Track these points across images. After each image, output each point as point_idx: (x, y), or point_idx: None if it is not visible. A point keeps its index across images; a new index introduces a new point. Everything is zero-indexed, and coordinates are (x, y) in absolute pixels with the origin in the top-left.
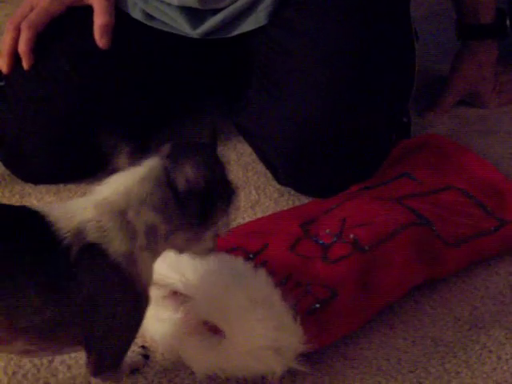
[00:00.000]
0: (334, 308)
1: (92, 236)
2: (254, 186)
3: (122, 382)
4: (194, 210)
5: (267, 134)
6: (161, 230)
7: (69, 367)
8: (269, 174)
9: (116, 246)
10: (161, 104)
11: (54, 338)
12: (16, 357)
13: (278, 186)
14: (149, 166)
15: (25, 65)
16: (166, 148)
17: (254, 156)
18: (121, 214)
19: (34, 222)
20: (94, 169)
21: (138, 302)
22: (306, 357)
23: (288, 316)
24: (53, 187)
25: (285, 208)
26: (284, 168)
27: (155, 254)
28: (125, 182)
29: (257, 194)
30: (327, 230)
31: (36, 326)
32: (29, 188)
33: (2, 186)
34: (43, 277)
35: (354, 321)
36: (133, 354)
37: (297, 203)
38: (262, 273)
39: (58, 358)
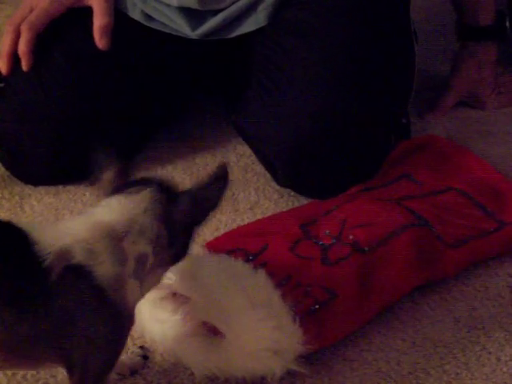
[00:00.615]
0: (334, 309)
1: (78, 257)
2: (254, 187)
3: None
4: (181, 245)
5: (266, 135)
6: (150, 261)
7: None
8: (268, 176)
9: (103, 269)
10: (160, 104)
11: (27, 355)
12: None
13: (278, 188)
14: (149, 198)
15: (24, 66)
16: (154, 184)
17: (254, 157)
18: (117, 239)
19: (18, 240)
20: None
21: (120, 323)
22: (305, 358)
23: (287, 317)
24: (52, 188)
25: (284, 209)
26: (283, 169)
27: (141, 285)
28: (130, 210)
29: (256, 195)
30: (327, 232)
31: (8, 343)
32: (28, 189)
33: (2, 187)
34: (19, 293)
35: (353, 322)
36: (132, 355)
37: (296, 204)
38: (262, 274)
39: None
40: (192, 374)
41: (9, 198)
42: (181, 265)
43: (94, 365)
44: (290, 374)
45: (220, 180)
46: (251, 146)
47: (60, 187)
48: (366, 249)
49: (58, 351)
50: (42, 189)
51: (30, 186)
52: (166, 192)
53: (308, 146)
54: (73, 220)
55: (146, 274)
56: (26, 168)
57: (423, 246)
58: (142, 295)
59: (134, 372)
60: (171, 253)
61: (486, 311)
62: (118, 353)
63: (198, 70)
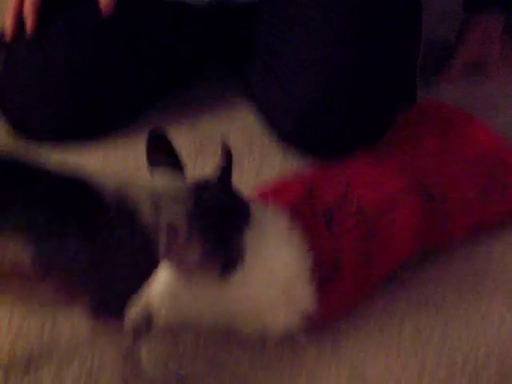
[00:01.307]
0: (337, 280)
1: (130, 201)
2: (259, 153)
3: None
4: (208, 235)
5: (275, 102)
6: (178, 236)
7: (73, 325)
8: (273, 143)
9: (147, 216)
10: (165, 73)
11: (75, 286)
12: (20, 314)
13: (281, 155)
14: (189, 184)
15: (28, 27)
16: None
17: (259, 124)
18: (157, 201)
19: (81, 182)
20: (99, 131)
21: (152, 265)
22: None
23: (306, 270)
24: (57, 146)
25: (289, 172)
26: (288, 126)
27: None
28: (168, 185)
29: (259, 162)
30: (330, 197)
31: (66, 272)
32: (33, 147)
33: (6, 144)
34: (84, 225)
35: (357, 293)
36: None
37: (302, 167)
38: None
39: (62, 317)
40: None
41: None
42: None
43: (120, 297)
44: (291, 342)
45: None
46: (259, 111)
47: (65, 144)
48: (371, 215)
49: (98, 282)
50: (47, 146)
51: (35, 143)
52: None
53: (314, 110)
54: (124, 176)
55: (173, 247)
56: (31, 125)
57: (428, 212)
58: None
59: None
60: (198, 240)
61: (489, 276)
62: (137, 290)
63: (204, 39)
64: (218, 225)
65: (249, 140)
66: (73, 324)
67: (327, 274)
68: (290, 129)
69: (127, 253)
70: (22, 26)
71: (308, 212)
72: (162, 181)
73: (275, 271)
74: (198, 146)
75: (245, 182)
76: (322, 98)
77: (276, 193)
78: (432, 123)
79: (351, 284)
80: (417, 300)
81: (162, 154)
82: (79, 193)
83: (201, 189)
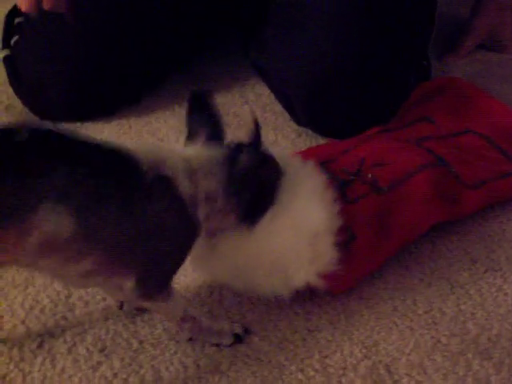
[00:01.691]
0: (352, 251)
1: (167, 172)
2: (272, 126)
3: (170, 300)
4: (245, 199)
5: (285, 74)
6: (217, 203)
7: (86, 303)
8: (286, 115)
9: (184, 186)
10: (177, 40)
11: (116, 258)
12: (34, 291)
13: (296, 127)
14: (223, 149)
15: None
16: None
17: (272, 97)
18: (193, 170)
19: (119, 152)
20: (112, 108)
21: (192, 236)
22: (321, 295)
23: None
24: (70, 125)
25: (302, 149)
26: (302, 108)
27: (205, 220)
28: (204, 151)
29: (274, 134)
30: (345, 169)
31: (108, 242)
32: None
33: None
34: (125, 196)
35: (371, 263)
36: None
37: (314, 144)
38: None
39: (75, 294)
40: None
41: None
42: None
43: (164, 266)
44: (306, 311)
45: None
46: (270, 86)
47: (78, 124)
48: (385, 188)
49: (140, 255)
50: (60, 125)
51: (48, 123)
52: (239, 151)
53: (327, 85)
54: (157, 145)
55: (212, 215)
56: (45, 105)
57: (441, 185)
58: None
59: None
60: (234, 206)
61: (503, 253)
62: (183, 260)
63: (213, 6)
64: (252, 192)
65: (262, 112)
66: (86, 301)
67: (342, 243)
68: (303, 105)
69: (166, 223)
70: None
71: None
72: (196, 149)
73: (304, 223)
74: None
75: None
76: (335, 70)
77: None
78: (446, 99)
79: (365, 253)
80: (430, 277)
81: (203, 114)
82: (118, 164)
83: (234, 155)
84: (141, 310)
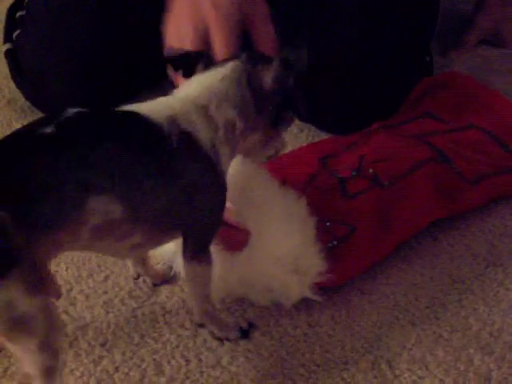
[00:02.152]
0: (352, 244)
1: (183, 126)
2: None
3: (210, 265)
4: (269, 112)
5: None
6: (238, 126)
7: (87, 297)
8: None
9: (202, 135)
10: None
11: (163, 226)
12: None
13: (298, 122)
14: (230, 66)
15: None
16: (244, 54)
17: None
18: (203, 108)
19: (131, 119)
20: (114, 103)
21: (223, 188)
22: (323, 290)
23: (312, 241)
24: None
25: (304, 144)
26: (304, 103)
27: (232, 151)
28: (206, 79)
29: None
30: (346, 165)
31: (154, 214)
32: None
33: (22, 117)
34: (158, 163)
35: (371, 257)
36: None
37: (316, 139)
38: (304, 201)
39: (76, 288)
40: None
41: None
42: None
43: (208, 226)
44: (308, 305)
45: (301, 47)
46: None
47: None
48: (386, 183)
49: (181, 216)
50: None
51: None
52: (253, 60)
53: (329, 80)
54: (161, 99)
55: (237, 139)
56: (47, 98)
57: (443, 180)
58: (231, 160)
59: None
60: (262, 118)
61: (505, 248)
62: (222, 215)
63: None
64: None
65: None
66: (87, 295)
67: (342, 236)
68: (304, 100)
69: (197, 180)
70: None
71: (323, 178)
72: (200, 81)
73: (282, 250)
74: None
75: None
76: (337, 66)
77: (291, 164)
78: (448, 94)
79: (365, 246)
80: (431, 272)
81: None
82: (144, 133)
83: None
84: (158, 285)
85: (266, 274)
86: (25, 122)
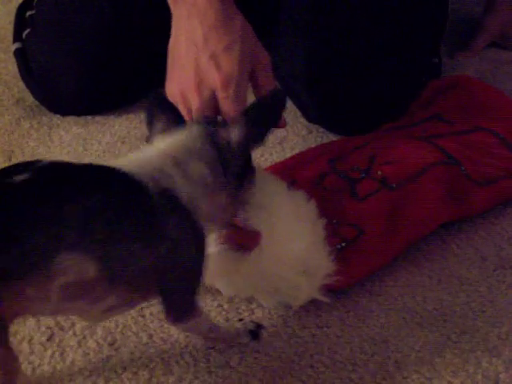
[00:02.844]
0: (360, 247)
1: (165, 183)
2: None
3: (199, 319)
4: (234, 170)
5: (295, 71)
6: (210, 183)
7: None
8: (298, 111)
9: (182, 192)
10: None
11: (141, 288)
12: None
13: (307, 124)
14: (195, 128)
15: None
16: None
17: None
18: (180, 165)
19: (114, 175)
20: (123, 102)
21: (203, 246)
22: (331, 292)
23: (321, 244)
24: (81, 119)
25: (313, 145)
26: (313, 105)
27: (207, 207)
28: (184, 140)
29: (285, 130)
30: (355, 167)
31: (131, 277)
32: (57, 119)
33: (31, 117)
34: (139, 224)
35: (379, 259)
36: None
37: (325, 140)
38: (313, 204)
39: None
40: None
41: (37, 127)
42: None
43: (188, 286)
44: (316, 307)
45: (277, 99)
46: (280, 82)
47: (89, 118)
48: (394, 185)
49: (158, 278)
50: (70, 119)
51: (58, 117)
52: (213, 123)
53: (337, 82)
54: (140, 152)
55: (209, 197)
56: (56, 98)
57: (452, 183)
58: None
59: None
60: (230, 175)
61: None
62: (202, 274)
63: None
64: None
65: None
66: None
67: (351, 238)
68: (313, 102)
69: (180, 239)
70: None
71: (332, 179)
72: (172, 138)
73: (291, 252)
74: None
75: (268, 149)
76: (346, 68)
77: (299, 166)
78: (457, 97)
79: (373, 248)
80: (439, 275)
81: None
82: (125, 189)
83: (213, 131)
84: None
85: (274, 274)
86: (33, 121)
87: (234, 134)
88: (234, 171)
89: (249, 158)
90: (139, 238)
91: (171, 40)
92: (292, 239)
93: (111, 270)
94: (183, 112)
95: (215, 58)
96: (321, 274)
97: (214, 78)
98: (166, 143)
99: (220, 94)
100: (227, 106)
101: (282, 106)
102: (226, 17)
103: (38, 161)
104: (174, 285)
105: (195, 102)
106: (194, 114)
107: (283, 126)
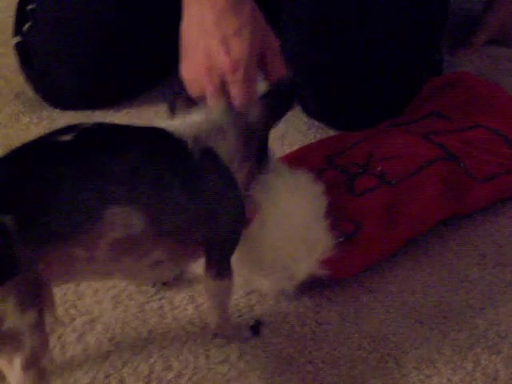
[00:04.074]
0: (359, 241)
1: (209, 143)
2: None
3: (232, 279)
4: (255, 146)
5: (296, 65)
6: (237, 155)
7: (95, 291)
8: (297, 107)
9: (223, 151)
10: None
11: (185, 240)
12: None
13: (306, 119)
14: (221, 108)
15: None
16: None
17: None
18: (220, 130)
19: (156, 133)
20: (123, 97)
21: (242, 201)
22: (330, 288)
23: (323, 214)
24: (81, 114)
25: (312, 141)
26: (313, 101)
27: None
28: (207, 115)
29: (285, 126)
30: (353, 162)
31: (176, 228)
32: (56, 114)
33: (30, 111)
34: (183, 176)
35: (377, 253)
36: None
37: (324, 136)
38: (321, 186)
39: (84, 282)
40: None
41: (37, 122)
42: None
43: (232, 241)
44: (315, 303)
45: (289, 88)
46: None
47: (88, 112)
48: (393, 181)
49: (204, 232)
50: (70, 113)
51: (58, 111)
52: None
53: (337, 78)
54: (182, 119)
55: (238, 167)
56: (56, 92)
57: (451, 179)
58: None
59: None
60: (252, 149)
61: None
62: (242, 229)
63: None
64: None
65: None
66: (95, 290)
67: (349, 233)
68: (313, 98)
69: (221, 194)
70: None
71: (330, 175)
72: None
73: (295, 218)
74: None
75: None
76: (347, 62)
77: (298, 161)
78: (457, 94)
79: (371, 243)
80: (439, 272)
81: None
82: (168, 146)
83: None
84: (167, 283)
85: (275, 245)
86: (33, 116)
87: (253, 116)
88: (255, 147)
89: (266, 139)
90: (182, 189)
91: (183, 26)
92: (294, 213)
93: (157, 221)
94: (197, 97)
95: (225, 41)
96: (320, 247)
97: (223, 63)
98: (197, 117)
99: (229, 79)
100: (236, 90)
101: (294, 94)
102: (235, 1)
103: (82, 123)
104: (215, 237)
105: (208, 88)
106: (207, 99)
107: None
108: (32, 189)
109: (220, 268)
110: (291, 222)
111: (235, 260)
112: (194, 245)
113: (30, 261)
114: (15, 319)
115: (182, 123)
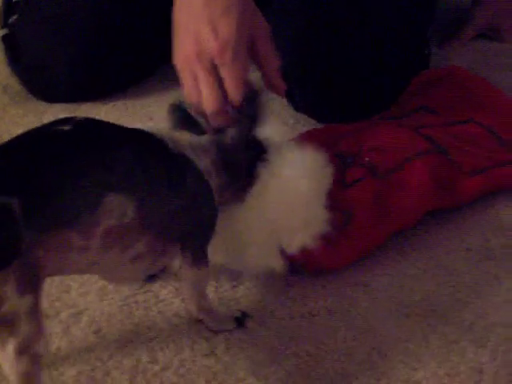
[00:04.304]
0: (348, 231)
1: (183, 150)
2: (270, 111)
3: (206, 282)
4: (234, 171)
5: (283, 55)
6: (213, 177)
7: (81, 284)
8: (284, 101)
9: (197, 163)
10: None
11: (166, 234)
12: None
13: (294, 113)
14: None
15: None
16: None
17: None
18: (195, 151)
19: (141, 132)
20: (110, 89)
21: (215, 202)
22: (318, 281)
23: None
24: (68, 106)
25: None
26: (300, 95)
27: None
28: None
29: (272, 119)
30: (343, 152)
31: (159, 221)
32: (43, 107)
33: (17, 103)
34: (168, 172)
35: (366, 244)
36: None
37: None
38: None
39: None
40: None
41: (23, 115)
42: None
43: (206, 235)
44: (303, 296)
45: (252, 102)
46: None
47: (76, 105)
48: (382, 173)
49: (180, 227)
50: (57, 106)
51: (44, 104)
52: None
53: (325, 72)
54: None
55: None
56: (44, 84)
57: (439, 172)
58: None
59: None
60: (227, 176)
61: (499, 242)
62: (215, 226)
63: None
64: (238, 170)
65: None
66: (81, 283)
67: (339, 223)
68: (301, 92)
69: (200, 190)
70: None
71: None
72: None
73: (293, 190)
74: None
75: None
76: (334, 55)
77: None
78: (446, 88)
79: (363, 234)
80: (426, 265)
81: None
82: (155, 145)
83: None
84: (152, 276)
85: (272, 218)
86: (20, 109)
87: (231, 136)
88: (235, 173)
89: (256, 155)
90: (166, 184)
91: (174, 11)
92: (295, 187)
93: (145, 212)
94: (189, 83)
95: (213, 23)
96: (317, 222)
97: (211, 46)
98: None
99: (218, 61)
100: (225, 73)
101: (259, 106)
102: None
103: (74, 117)
104: (192, 231)
105: (200, 73)
106: (199, 84)
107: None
108: (36, 174)
109: (196, 258)
110: (291, 195)
111: (223, 239)
112: (172, 242)
113: (31, 246)
114: (14, 302)
115: (159, 127)
